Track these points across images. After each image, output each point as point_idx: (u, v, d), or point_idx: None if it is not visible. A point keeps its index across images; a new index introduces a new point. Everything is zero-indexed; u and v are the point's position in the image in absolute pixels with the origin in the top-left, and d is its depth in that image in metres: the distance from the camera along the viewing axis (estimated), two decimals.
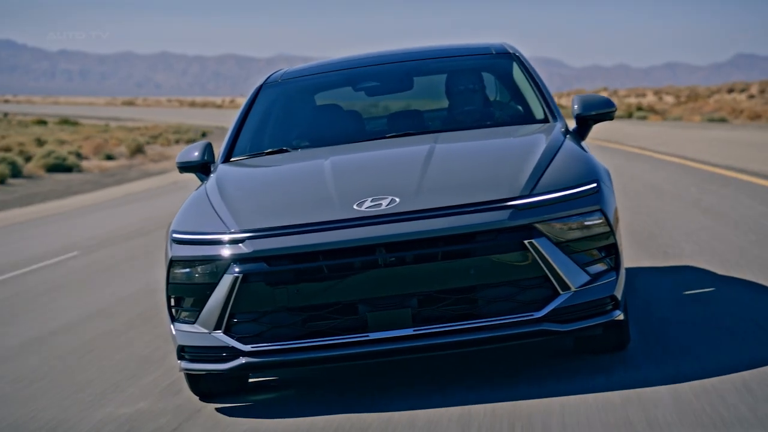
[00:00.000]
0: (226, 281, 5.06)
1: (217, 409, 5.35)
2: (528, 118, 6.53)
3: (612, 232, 5.15)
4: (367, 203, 5.12)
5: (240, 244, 5.08)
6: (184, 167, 6.41)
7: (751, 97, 65.91)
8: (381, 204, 5.09)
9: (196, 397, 5.57)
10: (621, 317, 5.18)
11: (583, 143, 6.08)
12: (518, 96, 6.76)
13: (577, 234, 5.05)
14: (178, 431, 5.07)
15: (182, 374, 5.82)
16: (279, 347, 5.04)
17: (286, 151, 6.45)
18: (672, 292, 7.17)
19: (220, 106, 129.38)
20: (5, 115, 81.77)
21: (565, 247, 5.01)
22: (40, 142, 39.93)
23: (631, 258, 8.47)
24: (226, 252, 5.10)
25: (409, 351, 4.99)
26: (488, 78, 7.01)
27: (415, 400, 5.10)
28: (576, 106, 6.29)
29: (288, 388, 5.63)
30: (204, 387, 5.51)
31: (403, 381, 5.48)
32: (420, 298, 4.97)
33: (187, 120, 75.77)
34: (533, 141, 5.76)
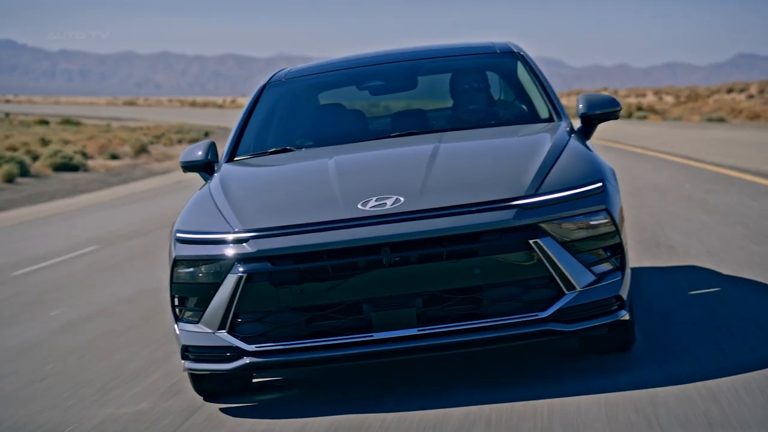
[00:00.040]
0: (230, 281, 5.04)
1: (221, 409, 5.34)
2: (533, 117, 6.51)
3: (617, 232, 5.13)
4: (372, 203, 5.10)
5: (244, 244, 5.06)
6: (188, 167, 6.39)
7: (750, 97, 65.88)
8: (385, 203, 5.07)
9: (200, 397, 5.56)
10: (626, 317, 5.16)
11: (588, 142, 6.06)
12: (523, 95, 6.74)
13: (582, 234, 5.03)
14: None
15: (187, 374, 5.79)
16: (283, 347, 5.02)
17: (290, 150, 6.43)
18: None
19: (221, 106, 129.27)
20: (7, 115, 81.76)
21: (570, 246, 4.98)
22: (44, 142, 40.07)
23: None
24: (230, 251, 5.08)
25: (414, 351, 4.96)
26: (492, 77, 6.98)
27: (420, 400, 5.08)
28: (581, 105, 6.27)
29: (292, 388, 5.61)
30: (208, 387, 5.49)
31: (408, 381, 5.46)
32: (425, 298, 4.95)
33: (188, 120, 75.82)
34: (538, 140, 5.74)
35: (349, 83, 7.21)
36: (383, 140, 6.31)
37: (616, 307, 5.11)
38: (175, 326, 5.32)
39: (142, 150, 38.76)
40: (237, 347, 5.08)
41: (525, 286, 4.96)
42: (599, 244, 5.08)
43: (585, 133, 6.27)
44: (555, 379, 5.19)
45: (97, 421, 5.43)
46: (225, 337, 5.11)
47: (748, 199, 12.60)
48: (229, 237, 5.12)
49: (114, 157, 36.89)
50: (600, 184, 5.18)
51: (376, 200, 5.11)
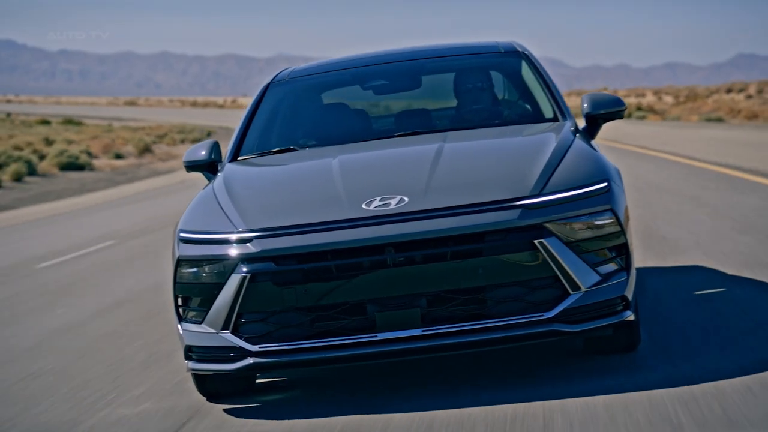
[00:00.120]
0: (234, 281, 5.02)
1: (225, 410, 5.32)
2: (537, 116, 6.49)
3: (623, 232, 5.11)
4: (376, 203, 5.08)
5: (248, 244, 5.04)
6: (191, 166, 6.37)
7: (749, 97, 65.88)
8: (390, 203, 5.05)
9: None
10: (631, 318, 5.14)
11: (593, 142, 6.04)
12: (527, 94, 6.71)
13: (587, 234, 5.01)
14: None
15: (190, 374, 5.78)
16: (287, 347, 5.00)
17: (294, 150, 6.41)
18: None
19: (221, 106, 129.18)
20: (8, 115, 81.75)
21: (575, 246, 4.96)
22: (48, 142, 40.28)
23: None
24: (233, 251, 5.06)
25: (418, 351, 4.94)
26: (497, 76, 6.96)
27: (428, 400, 5.06)
28: (586, 105, 6.24)
29: (296, 389, 5.59)
30: (211, 387, 5.47)
31: (417, 381, 5.44)
32: (429, 298, 4.93)
33: (189, 120, 75.92)
34: (543, 140, 5.72)
35: (353, 83, 7.19)
36: (387, 140, 6.28)
37: (621, 307, 5.09)
38: (179, 326, 5.31)
39: (145, 150, 38.97)
40: (240, 347, 5.06)
41: (530, 287, 4.94)
42: (604, 244, 5.06)
43: (590, 132, 6.24)
44: (563, 379, 5.17)
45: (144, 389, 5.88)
46: (228, 338, 5.09)
47: (739, 195, 13.23)
48: (233, 237, 5.10)
49: (119, 156, 37.11)
50: (605, 184, 5.16)
51: (380, 200, 5.09)
